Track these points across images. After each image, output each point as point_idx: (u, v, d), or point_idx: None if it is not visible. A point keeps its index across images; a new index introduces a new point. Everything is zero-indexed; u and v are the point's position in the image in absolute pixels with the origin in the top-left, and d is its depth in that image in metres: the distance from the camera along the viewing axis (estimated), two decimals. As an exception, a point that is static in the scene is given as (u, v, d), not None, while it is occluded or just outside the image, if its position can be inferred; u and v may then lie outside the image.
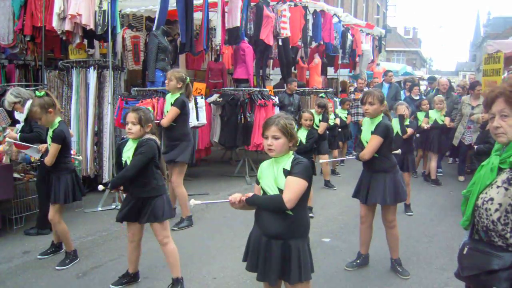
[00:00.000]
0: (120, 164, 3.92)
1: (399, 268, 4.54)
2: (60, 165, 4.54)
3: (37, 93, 4.62)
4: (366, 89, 11.18)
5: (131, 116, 3.77)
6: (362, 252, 4.71)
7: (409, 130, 6.43)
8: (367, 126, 4.45)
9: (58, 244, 4.97)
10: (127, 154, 3.81)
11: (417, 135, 6.95)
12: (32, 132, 5.34)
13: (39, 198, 5.53)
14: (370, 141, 4.27)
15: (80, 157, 6.13)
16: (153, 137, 3.86)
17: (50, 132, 4.48)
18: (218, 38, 8.38)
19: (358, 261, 4.68)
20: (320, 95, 8.28)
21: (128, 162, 3.77)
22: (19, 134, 5.36)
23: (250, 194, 2.82)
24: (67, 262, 4.63)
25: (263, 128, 2.84)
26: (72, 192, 4.60)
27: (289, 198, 2.66)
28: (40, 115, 4.41)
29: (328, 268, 4.62)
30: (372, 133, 4.28)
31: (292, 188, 2.68)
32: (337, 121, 9.30)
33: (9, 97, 5.70)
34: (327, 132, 8.02)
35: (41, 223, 5.47)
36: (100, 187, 4.04)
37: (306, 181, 2.71)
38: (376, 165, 4.36)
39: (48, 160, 4.45)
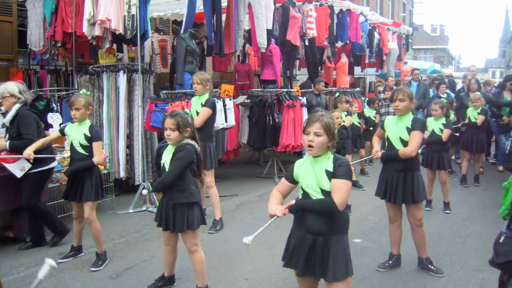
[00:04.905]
0: (158, 166, 3.91)
1: (432, 267, 4.49)
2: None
3: (84, 91, 4.81)
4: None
5: (169, 122, 3.71)
6: (394, 252, 4.65)
7: (446, 131, 6.34)
8: (394, 123, 4.40)
9: (78, 247, 5.00)
10: (165, 158, 3.80)
11: (457, 133, 6.86)
12: (22, 140, 4.90)
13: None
14: (414, 137, 4.22)
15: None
16: (192, 142, 3.82)
17: (86, 131, 4.57)
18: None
19: (391, 261, 4.63)
20: (336, 94, 8.25)
21: (166, 166, 3.76)
22: (8, 142, 4.95)
23: (292, 202, 2.81)
24: (99, 263, 4.69)
25: (306, 125, 2.84)
26: (101, 189, 4.73)
27: (341, 201, 2.73)
28: (82, 108, 4.53)
29: (360, 268, 4.57)
30: (412, 129, 4.23)
31: (342, 191, 2.74)
32: (361, 121, 9.24)
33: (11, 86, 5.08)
34: (350, 131, 7.99)
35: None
36: (144, 192, 4.23)
37: (350, 181, 2.80)
38: (407, 164, 4.30)
39: (100, 159, 4.61)
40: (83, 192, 4.56)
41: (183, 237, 3.87)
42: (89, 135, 4.57)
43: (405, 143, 4.28)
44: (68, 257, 4.92)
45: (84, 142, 4.57)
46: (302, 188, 2.88)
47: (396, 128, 4.36)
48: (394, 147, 4.35)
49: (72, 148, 4.63)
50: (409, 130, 4.26)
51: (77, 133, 4.60)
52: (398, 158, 4.29)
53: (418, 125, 4.27)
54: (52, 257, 4.88)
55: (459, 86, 12.78)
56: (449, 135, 6.43)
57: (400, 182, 4.33)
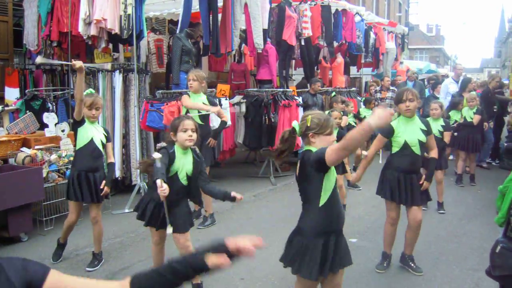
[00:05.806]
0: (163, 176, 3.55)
1: (412, 264, 4.52)
2: (103, 163, 4.69)
3: (91, 90, 4.79)
4: (392, 88, 11.15)
5: (191, 124, 3.66)
6: (388, 252, 4.66)
7: (447, 134, 6.36)
8: (406, 125, 4.27)
9: (65, 242, 4.94)
10: (183, 166, 3.72)
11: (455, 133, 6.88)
12: None
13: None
14: (434, 140, 4.39)
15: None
16: None
17: (102, 131, 4.65)
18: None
19: (387, 261, 4.64)
20: (333, 94, 8.26)
21: (186, 174, 3.74)
22: None
23: None
24: (95, 263, 4.69)
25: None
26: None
27: None
28: (101, 107, 4.60)
29: (356, 268, 4.55)
30: (430, 133, 4.30)
31: None
32: (357, 121, 9.23)
33: None
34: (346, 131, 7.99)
35: None
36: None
37: None
38: (418, 165, 4.33)
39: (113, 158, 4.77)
40: (99, 192, 4.57)
41: (177, 235, 3.86)
42: (106, 135, 4.67)
43: (423, 145, 4.27)
44: (60, 255, 4.89)
45: (105, 141, 4.65)
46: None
47: (410, 130, 4.26)
48: (412, 151, 4.24)
49: (92, 146, 4.54)
50: (426, 132, 4.26)
51: (94, 132, 4.60)
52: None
53: (431, 127, 4.38)
54: (48, 256, 4.92)
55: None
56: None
57: (415, 183, 4.31)
